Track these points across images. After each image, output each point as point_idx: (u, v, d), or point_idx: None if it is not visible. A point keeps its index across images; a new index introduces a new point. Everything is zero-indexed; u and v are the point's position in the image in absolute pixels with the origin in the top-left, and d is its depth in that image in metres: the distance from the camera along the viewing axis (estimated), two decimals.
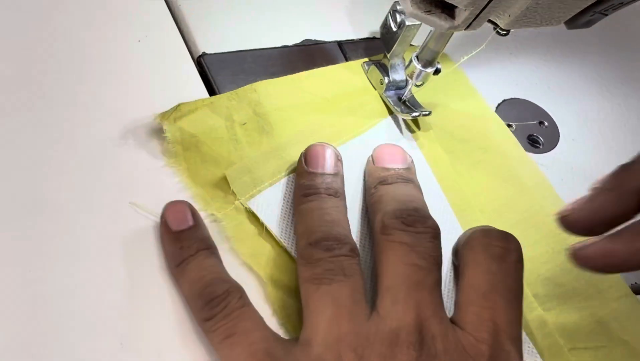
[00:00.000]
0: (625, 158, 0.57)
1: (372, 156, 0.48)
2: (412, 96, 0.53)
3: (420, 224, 0.42)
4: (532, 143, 0.56)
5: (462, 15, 0.37)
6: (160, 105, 0.46)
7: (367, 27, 0.58)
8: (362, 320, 0.39)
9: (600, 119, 0.59)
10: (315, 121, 0.50)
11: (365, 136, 0.51)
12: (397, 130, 0.52)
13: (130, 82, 0.48)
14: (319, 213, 0.43)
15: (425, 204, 0.45)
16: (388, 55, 0.52)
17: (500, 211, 0.50)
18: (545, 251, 0.49)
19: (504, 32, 0.41)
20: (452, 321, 0.41)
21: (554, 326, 0.46)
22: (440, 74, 0.50)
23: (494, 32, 0.40)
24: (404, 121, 0.53)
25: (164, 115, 0.46)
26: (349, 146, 0.49)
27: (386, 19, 0.50)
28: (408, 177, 0.47)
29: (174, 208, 0.42)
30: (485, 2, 0.36)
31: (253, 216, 0.45)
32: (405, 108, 0.52)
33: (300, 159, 0.46)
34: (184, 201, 0.43)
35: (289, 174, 0.47)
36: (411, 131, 0.52)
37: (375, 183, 0.46)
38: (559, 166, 0.54)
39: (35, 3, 0.49)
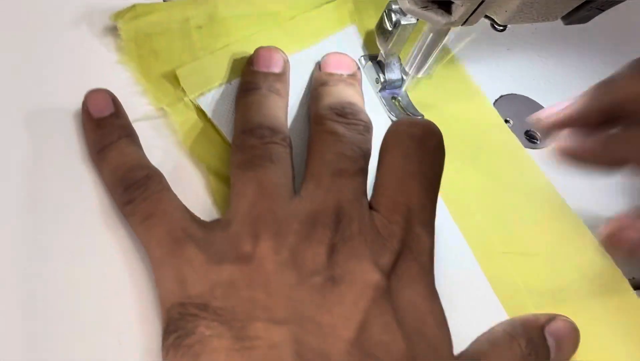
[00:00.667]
0: None
1: (319, 62, 0.50)
2: (407, 97, 0.52)
3: (352, 117, 0.44)
4: (530, 139, 0.56)
5: (458, 11, 0.37)
6: (118, 3, 0.48)
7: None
8: (283, 202, 0.40)
9: None
10: (274, 29, 0.51)
11: (322, 45, 0.52)
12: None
13: None
14: (257, 106, 0.44)
15: (363, 106, 0.47)
16: (384, 55, 0.51)
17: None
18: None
19: (501, 28, 0.41)
20: (370, 205, 0.41)
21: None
22: (438, 68, 0.50)
23: (491, 26, 0.40)
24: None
25: (119, 14, 0.47)
26: (303, 55, 0.50)
27: (381, 19, 0.50)
28: (351, 82, 0.48)
29: (94, 95, 0.43)
30: None
31: (201, 113, 0.46)
32: (398, 112, 0.52)
33: (247, 60, 0.48)
34: (104, 89, 0.43)
35: (240, 76, 0.48)
36: None
37: (316, 86, 0.48)
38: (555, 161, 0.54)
39: None
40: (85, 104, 0.43)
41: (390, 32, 0.50)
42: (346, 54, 0.50)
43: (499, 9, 0.39)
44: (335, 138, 0.43)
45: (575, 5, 0.40)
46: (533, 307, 0.46)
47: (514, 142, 0.54)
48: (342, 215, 0.39)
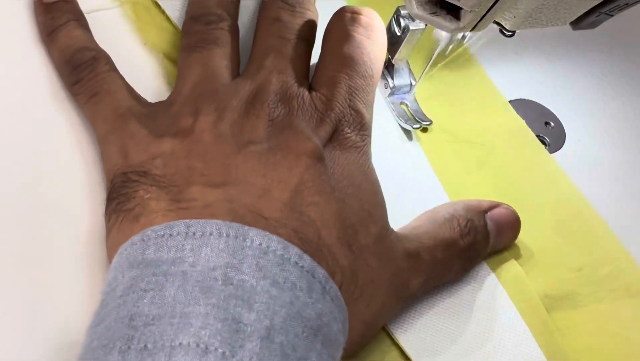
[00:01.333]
0: (631, 156, 0.57)
1: None
2: (416, 102, 0.53)
3: (299, 6, 0.45)
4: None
5: (467, 16, 0.37)
6: None
7: None
8: (225, 82, 0.42)
9: (606, 119, 0.59)
10: None
11: None
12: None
13: None
14: None
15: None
16: (393, 60, 0.51)
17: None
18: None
19: (509, 34, 0.41)
20: (310, 85, 0.43)
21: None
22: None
23: (499, 32, 0.40)
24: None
25: None
26: None
27: (390, 24, 0.50)
28: None
29: None
30: (491, 4, 0.36)
31: (157, 5, 0.48)
32: (407, 117, 0.52)
33: None
34: None
35: None
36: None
37: None
38: (565, 167, 0.54)
39: None
40: None
41: (399, 37, 0.50)
42: None
43: (508, 15, 0.39)
44: (280, 24, 0.44)
45: (583, 11, 0.40)
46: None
47: (530, 138, 0.54)
48: (282, 93, 0.41)
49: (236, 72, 0.44)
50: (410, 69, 0.52)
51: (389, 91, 0.52)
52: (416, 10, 0.38)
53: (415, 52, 0.52)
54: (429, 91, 0.54)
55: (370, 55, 0.44)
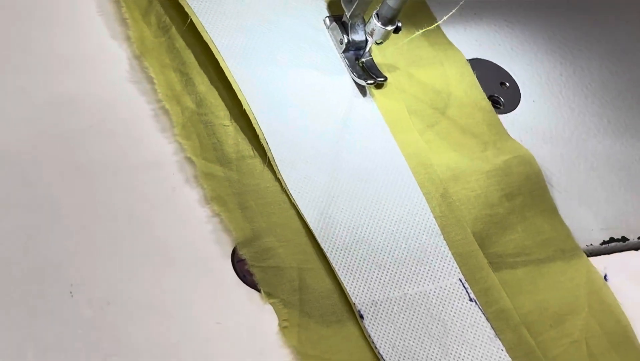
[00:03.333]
0: (585, 120, 0.57)
1: None
2: (371, 59, 0.52)
3: None
4: (493, 104, 0.56)
5: None
6: None
7: None
8: None
9: (562, 81, 0.59)
10: None
11: None
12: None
13: None
14: None
15: None
16: (348, 16, 0.51)
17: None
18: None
19: None
20: None
21: None
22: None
23: None
24: None
25: None
26: None
27: None
28: None
29: None
30: None
31: None
32: (361, 73, 0.52)
33: None
34: None
35: None
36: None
37: None
38: (519, 126, 0.54)
39: None
40: None
41: None
42: None
43: None
44: None
45: None
46: None
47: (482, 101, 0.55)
48: None
49: None
50: (365, 26, 0.52)
51: (344, 47, 0.52)
52: None
53: (371, 9, 0.52)
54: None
55: None
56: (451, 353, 0.43)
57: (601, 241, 0.52)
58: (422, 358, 0.43)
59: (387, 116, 0.51)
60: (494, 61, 0.58)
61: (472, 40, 0.59)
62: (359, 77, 0.51)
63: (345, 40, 0.52)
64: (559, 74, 0.60)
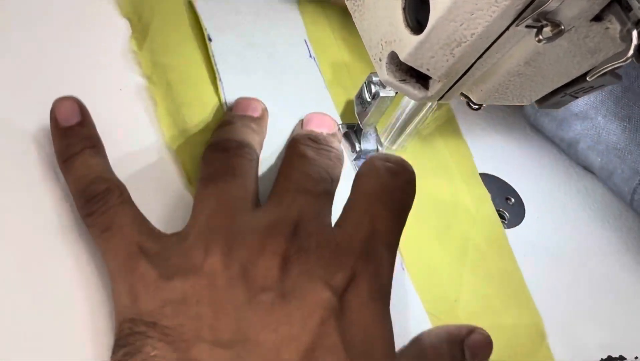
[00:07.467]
0: (586, 238, 0.58)
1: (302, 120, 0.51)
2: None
3: (324, 143, 0.46)
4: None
5: (435, 86, 0.38)
6: None
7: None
8: (241, 215, 0.40)
9: (566, 200, 0.60)
10: None
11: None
12: None
13: None
14: (230, 128, 0.46)
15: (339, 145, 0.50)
16: (361, 125, 0.52)
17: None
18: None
19: (476, 107, 0.42)
20: (335, 224, 0.42)
21: None
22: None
23: (466, 105, 0.41)
24: None
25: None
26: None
27: (361, 89, 0.51)
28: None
29: (62, 103, 0.43)
30: (459, 75, 0.37)
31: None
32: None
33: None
34: (73, 96, 0.43)
35: None
36: None
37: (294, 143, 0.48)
38: (523, 241, 0.55)
39: None
40: (53, 112, 0.43)
41: (369, 103, 0.51)
42: (328, 115, 0.51)
43: (475, 88, 0.40)
44: (304, 160, 0.44)
45: (548, 91, 0.41)
46: None
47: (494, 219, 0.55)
48: (300, 228, 0.40)
49: (254, 202, 0.43)
50: (377, 135, 0.53)
51: (355, 154, 0.53)
52: (386, 76, 0.39)
53: (384, 119, 0.53)
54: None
55: (400, 201, 0.43)
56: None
57: (599, 359, 0.52)
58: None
59: None
60: (500, 176, 0.59)
61: (479, 155, 0.59)
62: None
63: (357, 148, 0.53)
64: (563, 192, 0.61)
